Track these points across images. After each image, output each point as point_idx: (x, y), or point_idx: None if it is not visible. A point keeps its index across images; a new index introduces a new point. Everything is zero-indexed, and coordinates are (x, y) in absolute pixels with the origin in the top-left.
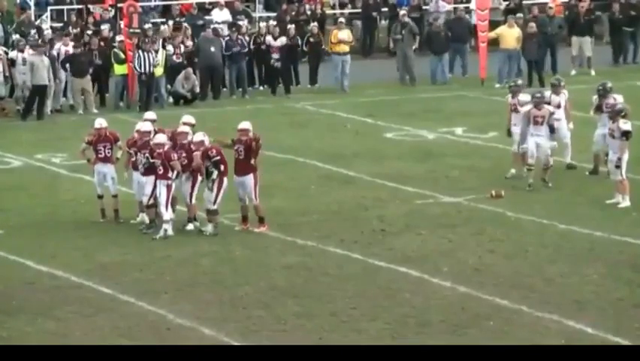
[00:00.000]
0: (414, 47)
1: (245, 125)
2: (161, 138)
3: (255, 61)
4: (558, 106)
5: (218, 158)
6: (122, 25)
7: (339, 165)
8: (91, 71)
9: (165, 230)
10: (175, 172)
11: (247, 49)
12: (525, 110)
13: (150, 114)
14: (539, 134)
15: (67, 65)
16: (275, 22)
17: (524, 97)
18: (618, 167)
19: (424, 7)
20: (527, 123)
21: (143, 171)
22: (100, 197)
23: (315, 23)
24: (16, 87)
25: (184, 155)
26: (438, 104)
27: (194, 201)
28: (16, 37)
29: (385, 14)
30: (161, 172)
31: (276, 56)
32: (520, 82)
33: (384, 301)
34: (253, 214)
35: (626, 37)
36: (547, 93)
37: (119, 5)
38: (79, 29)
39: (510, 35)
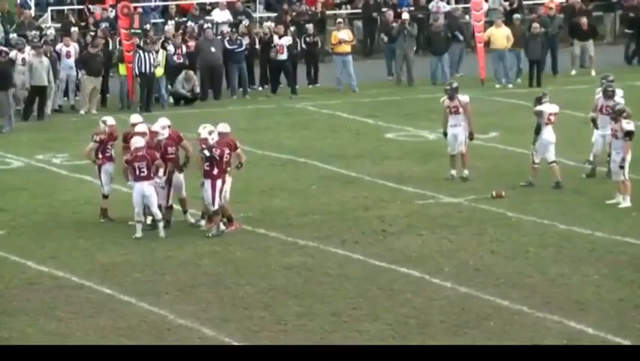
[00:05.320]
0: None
1: (219, 127)
2: (140, 142)
3: (261, 60)
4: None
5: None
6: (120, 26)
7: (340, 166)
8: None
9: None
10: (162, 171)
11: (247, 49)
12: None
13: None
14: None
15: (81, 65)
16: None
17: (464, 97)
18: (622, 167)
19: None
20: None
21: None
22: (105, 197)
23: (312, 25)
24: (16, 88)
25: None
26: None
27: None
28: (15, 37)
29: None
30: (144, 174)
31: (283, 56)
32: (455, 85)
33: (385, 302)
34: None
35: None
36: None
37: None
38: (78, 29)
39: (499, 35)
